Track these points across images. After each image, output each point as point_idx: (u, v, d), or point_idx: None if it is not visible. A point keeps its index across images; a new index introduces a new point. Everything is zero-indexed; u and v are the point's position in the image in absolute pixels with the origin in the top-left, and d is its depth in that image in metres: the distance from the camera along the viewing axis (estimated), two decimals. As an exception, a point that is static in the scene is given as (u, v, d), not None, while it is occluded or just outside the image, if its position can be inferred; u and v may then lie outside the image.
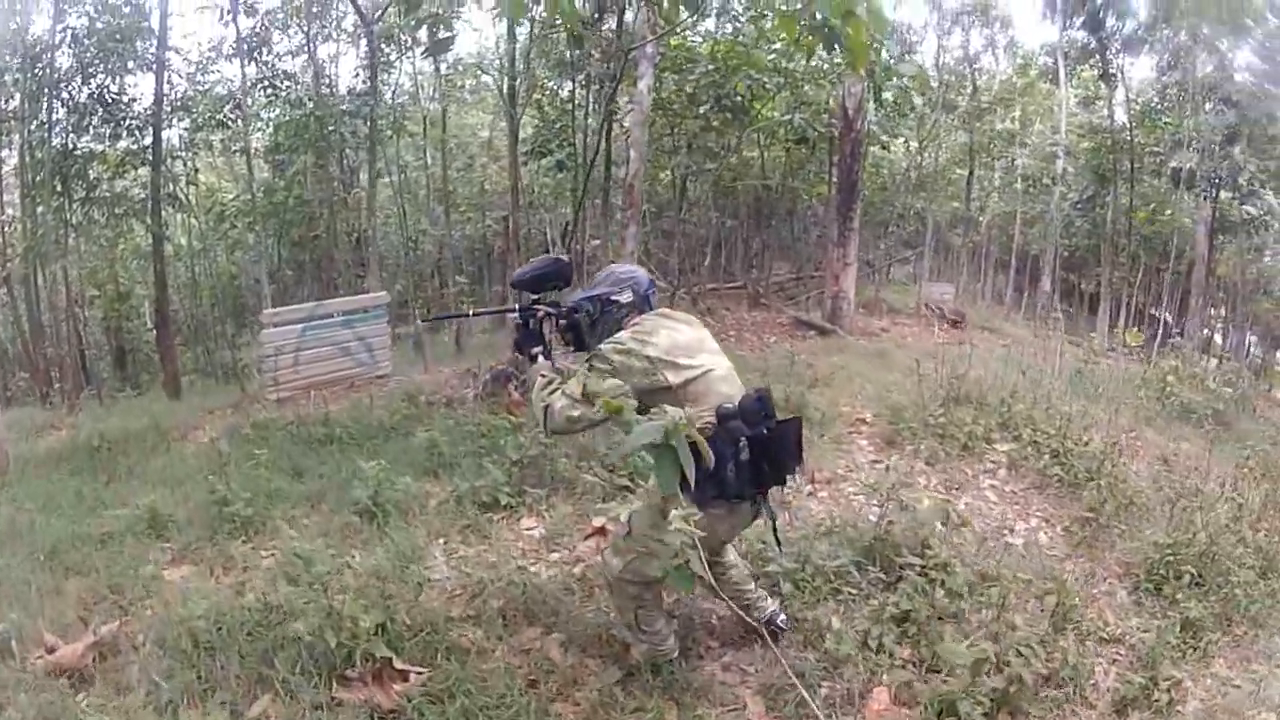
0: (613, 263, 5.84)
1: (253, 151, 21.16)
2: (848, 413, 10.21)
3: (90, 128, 17.89)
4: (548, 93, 20.88)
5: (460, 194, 28.37)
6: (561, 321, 4.44)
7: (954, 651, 4.41)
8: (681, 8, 7.12)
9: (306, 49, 22.18)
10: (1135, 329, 24.30)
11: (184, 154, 20.69)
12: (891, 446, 8.88)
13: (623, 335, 4.10)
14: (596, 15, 17.18)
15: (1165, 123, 29.45)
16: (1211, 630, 5.46)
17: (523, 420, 7.80)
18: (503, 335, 19.19)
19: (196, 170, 22.84)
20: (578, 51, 18.28)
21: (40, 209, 17.87)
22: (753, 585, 4.84)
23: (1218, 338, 32.03)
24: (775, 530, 4.51)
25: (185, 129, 20.14)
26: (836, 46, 5.31)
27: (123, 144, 18.45)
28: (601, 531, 5.85)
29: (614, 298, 4.30)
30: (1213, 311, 32.05)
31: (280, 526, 6.15)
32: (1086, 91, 32.73)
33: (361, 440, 8.73)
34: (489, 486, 6.65)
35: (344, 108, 19.73)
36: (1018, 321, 28.52)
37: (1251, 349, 33.22)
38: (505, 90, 20.69)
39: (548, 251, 23.04)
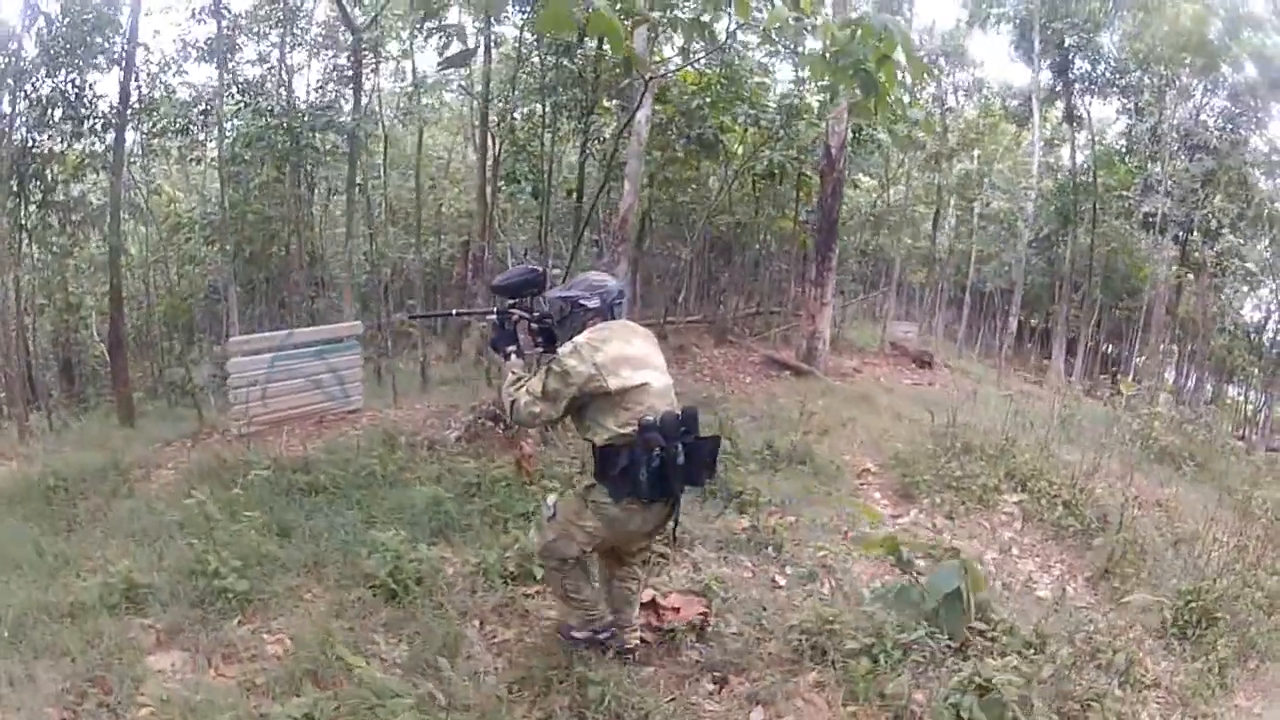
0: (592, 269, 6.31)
1: (216, 161, 20.42)
2: (850, 462, 10.14)
3: (51, 124, 16.92)
4: (521, 117, 20.21)
5: (411, 216, 27.70)
6: (534, 325, 4.94)
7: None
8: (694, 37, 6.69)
9: (279, 56, 21.38)
10: (1130, 380, 24.49)
11: (142, 159, 19.79)
12: (907, 500, 8.98)
13: (580, 338, 4.54)
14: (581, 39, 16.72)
15: (1134, 167, 30.00)
16: (1232, 666, 5.81)
17: (541, 481, 7.35)
18: (460, 367, 18.73)
19: (152, 179, 21.86)
20: (553, 73, 17.78)
21: (-7, 211, 16.74)
22: (635, 609, 5.23)
23: (1168, 374, 32.46)
24: (674, 531, 5.03)
25: (146, 132, 19.26)
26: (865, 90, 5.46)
27: (83, 144, 17.55)
28: (653, 605, 5.58)
29: (582, 302, 4.72)
30: (1164, 348, 32.49)
31: (283, 603, 5.59)
32: (1051, 134, 32.79)
33: (349, 490, 7.94)
34: (516, 556, 6.11)
35: (323, 119, 19.04)
36: (973, 359, 29.09)
37: (1205, 384, 34.05)
38: (479, 112, 20.19)
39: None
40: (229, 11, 19.38)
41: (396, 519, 7.01)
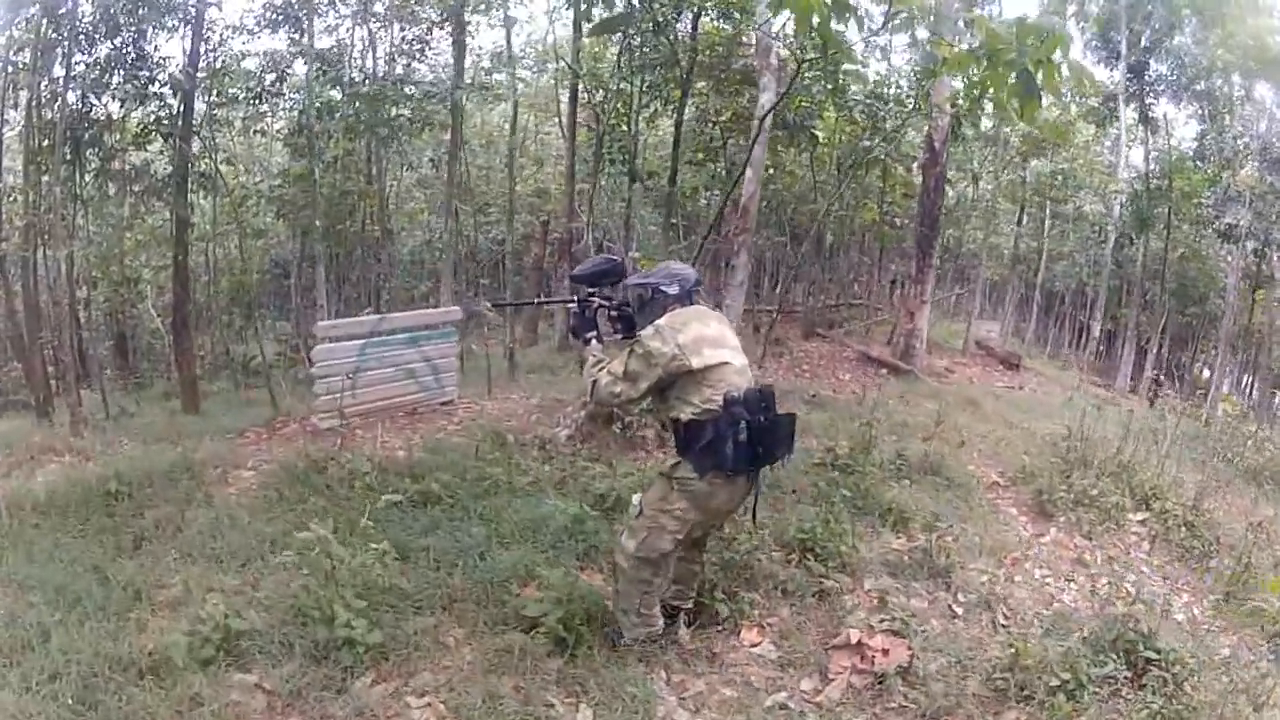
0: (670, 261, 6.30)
1: (281, 134, 19.42)
2: (976, 474, 9.64)
3: (111, 86, 15.62)
4: (611, 94, 19.13)
5: (485, 195, 26.76)
6: (613, 312, 5.13)
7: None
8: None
9: (355, 25, 20.37)
10: (1228, 394, 24.40)
11: (208, 128, 18.13)
12: (1044, 517, 8.66)
13: (661, 321, 4.65)
14: (676, 16, 15.77)
15: (1209, 174, 29.09)
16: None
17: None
18: (544, 352, 17.84)
19: (217, 148, 20.58)
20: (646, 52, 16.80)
21: (47, 179, 15.36)
22: (696, 581, 5.37)
23: (1226, 383, 33.07)
24: (755, 506, 5.03)
25: (212, 101, 17.96)
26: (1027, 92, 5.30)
27: (145, 110, 16.38)
28: (858, 646, 5.19)
29: (662, 288, 4.84)
30: (1230, 357, 32.90)
31: (426, 654, 4.67)
32: (1125, 136, 32.18)
33: (467, 502, 6.88)
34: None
35: (420, 88, 18.11)
36: (1044, 358, 29.16)
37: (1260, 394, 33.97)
38: (569, 89, 19.26)
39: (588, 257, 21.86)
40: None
41: (531, 540, 6.21)
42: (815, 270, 24.73)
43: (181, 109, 16.00)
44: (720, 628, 5.34)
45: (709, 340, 4.62)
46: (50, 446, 9.26)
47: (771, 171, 20.92)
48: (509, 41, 20.02)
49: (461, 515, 6.64)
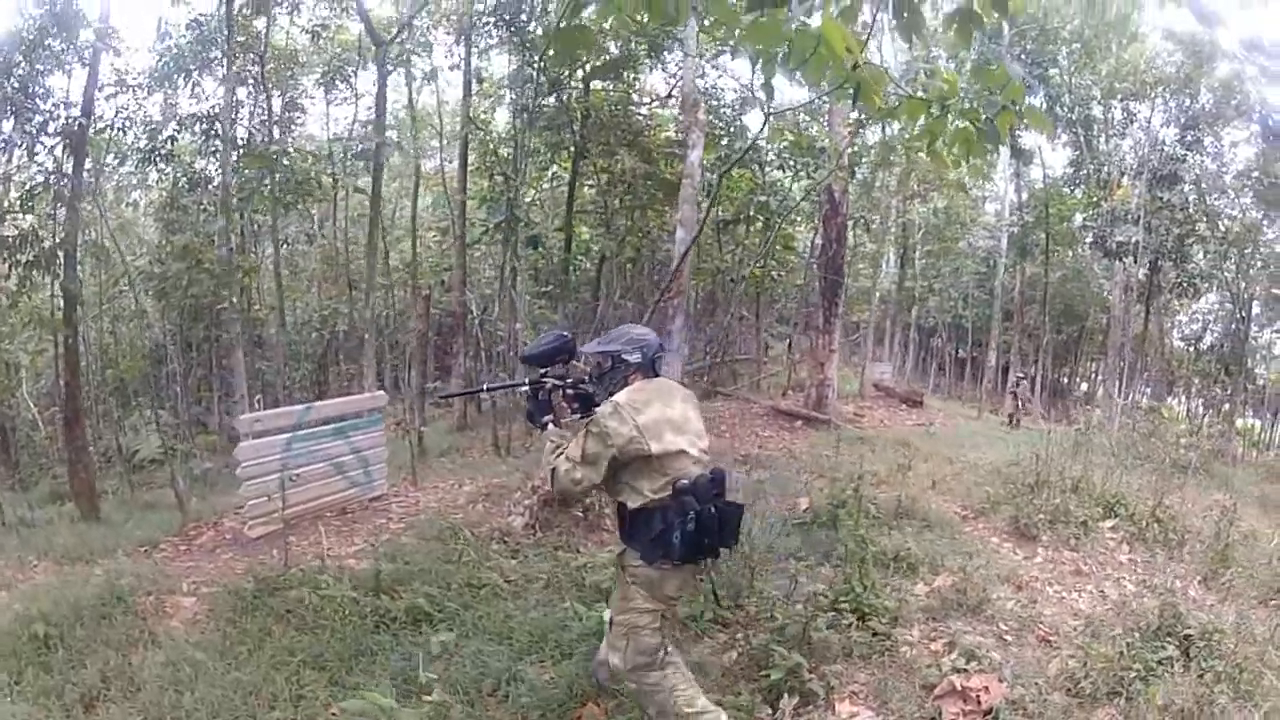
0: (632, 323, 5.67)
1: (152, 207, 18.40)
2: (939, 509, 9.94)
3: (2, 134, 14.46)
4: (506, 161, 18.45)
5: (355, 268, 25.93)
6: (569, 391, 4.72)
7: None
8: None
9: (259, 84, 19.57)
10: (1169, 401, 25.98)
11: (92, 198, 16.90)
12: (1027, 540, 9.09)
13: (620, 397, 4.40)
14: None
15: (1085, 196, 30.94)
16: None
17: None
18: (445, 432, 17.29)
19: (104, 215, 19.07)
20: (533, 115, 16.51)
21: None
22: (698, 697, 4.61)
23: (1105, 389, 33.98)
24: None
25: (90, 170, 16.72)
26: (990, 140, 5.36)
27: (32, 168, 15.20)
28: (962, 693, 5.27)
29: (624, 356, 4.60)
30: (1102, 365, 35.08)
31: None
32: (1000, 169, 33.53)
33: (461, 613, 6.21)
34: (783, 675, 5.31)
35: (347, 144, 17.37)
36: (929, 392, 30.72)
37: (1146, 396, 35.28)
38: (459, 153, 18.86)
39: (479, 333, 21.87)
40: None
41: (558, 650, 5.71)
42: (705, 329, 24.71)
43: (72, 166, 14.38)
44: (814, 706, 5.19)
45: (671, 424, 4.43)
46: (-49, 577, 8.11)
47: (644, 236, 20.85)
48: (412, 101, 19.56)
49: (462, 632, 5.91)
